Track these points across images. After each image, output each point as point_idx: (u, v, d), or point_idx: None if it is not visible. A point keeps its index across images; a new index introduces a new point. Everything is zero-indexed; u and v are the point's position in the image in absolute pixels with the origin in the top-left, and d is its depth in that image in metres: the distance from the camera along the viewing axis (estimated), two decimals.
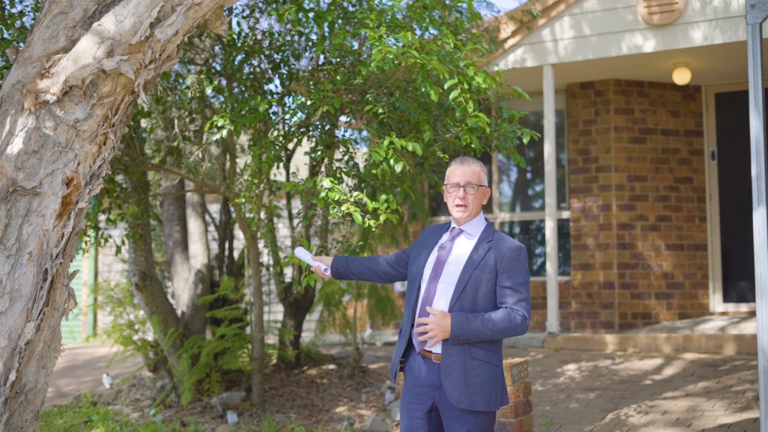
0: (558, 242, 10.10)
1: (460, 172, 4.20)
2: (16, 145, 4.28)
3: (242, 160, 9.81)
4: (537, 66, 9.59)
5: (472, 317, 3.97)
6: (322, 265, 4.55)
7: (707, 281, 10.16)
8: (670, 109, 10.24)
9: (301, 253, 4.63)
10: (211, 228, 10.45)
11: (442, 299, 4.07)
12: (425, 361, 4.10)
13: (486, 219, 4.29)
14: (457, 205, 4.18)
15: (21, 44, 6.35)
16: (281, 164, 7.40)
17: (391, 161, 5.65)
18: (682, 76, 9.63)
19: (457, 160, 4.27)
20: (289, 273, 11.36)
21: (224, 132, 6.44)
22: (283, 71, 7.57)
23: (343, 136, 7.85)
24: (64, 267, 4.47)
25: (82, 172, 4.42)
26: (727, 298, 10.10)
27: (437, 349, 4.06)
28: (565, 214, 10.30)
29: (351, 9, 7.23)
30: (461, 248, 4.15)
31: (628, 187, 10.03)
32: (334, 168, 6.54)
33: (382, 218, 5.69)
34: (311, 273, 6.01)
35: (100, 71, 4.31)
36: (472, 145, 6.08)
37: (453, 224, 4.26)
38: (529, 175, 10.99)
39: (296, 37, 7.68)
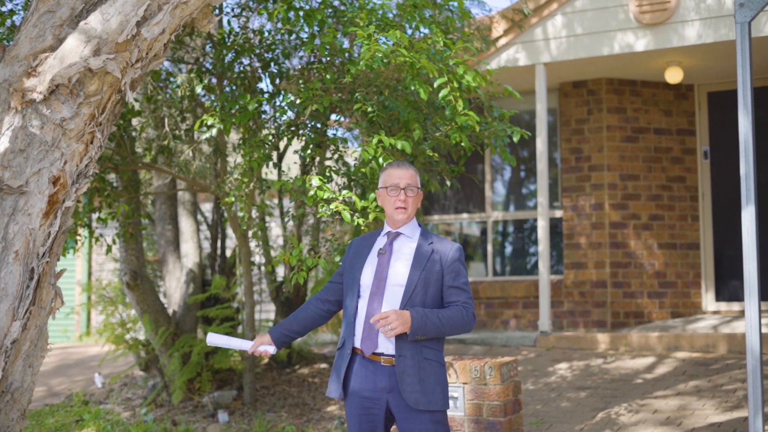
0: (551, 241, 10.11)
1: (399, 175, 4.16)
2: (2, 144, 4.28)
3: (233, 159, 9.81)
4: (529, 65, 9.59)
5: (429, 312, 3.96)
6: (261, 346, 4.28)
7: (700, 280, 10.17)
8: (663, 108, 10.25)
9: (214, 339, 4.27)
10: (203, 227, 10.45)
11: (391, 301, 4.02)
12: (373, 366, 4.02)
13: (419, 223, 4.27)
14: (397, 207, 4.13)
15: (10, 43, 6.33)
16: (272, 163, 7.39)
17: (380, 159, 5.65)
18: (674, 75, 9.64)
19: (392, 164, 4.24)
20: (280, 272, 11.35)
21: (214, 131, 6.44)
22: (273, 70, 7.57)
23: (334, 134, 7.84)
24: (51, 266, 4.46)
25: (68, 171, 4.41)
26: (719, 297, 10.11)
27: (389, 350, 4.00)
28: (558, 213, 10.30)
29: (341, 8, 7.23)
30: (403, 250, 4.12)
31: (620, 186, 10.03)
32: (324, 167, 6.54)
33: (371, 216, 5.69)
34: (300, 271, 6.02)
35: (87, 70, 4.30)
36: (462, 144, 6.08)
37: (388, 229, 4.19)
38: (522, 174, 10.99)
39: (286, 36, 7.68)
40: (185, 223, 9.51)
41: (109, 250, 8.15)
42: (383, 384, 4.01)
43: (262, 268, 9.56)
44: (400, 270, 4.07)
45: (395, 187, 4.14)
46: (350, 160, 7.68)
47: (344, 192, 5.81)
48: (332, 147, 6.99)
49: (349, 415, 4.11)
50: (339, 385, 4.10)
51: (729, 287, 10.09)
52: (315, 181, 5.78)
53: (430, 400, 3.99)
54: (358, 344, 4.06)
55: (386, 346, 4.01)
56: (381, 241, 4.18)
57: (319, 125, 6.94)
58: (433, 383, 4.00)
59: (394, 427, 4.20)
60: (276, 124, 7.17)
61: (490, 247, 10.80)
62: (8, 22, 6.99)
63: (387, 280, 4.05)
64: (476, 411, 5.69)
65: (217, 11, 7.12)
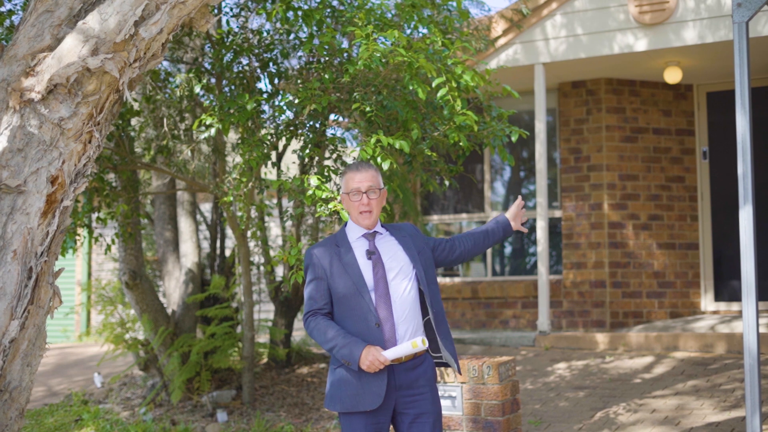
0: (550, 241, 10.11)
1: (360, 178, 4.12)
2: (0, 144, 4.28)
3: (232, 159, 9.81)
4: (528, 65, 9.59)
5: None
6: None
7: (699, 280, 10.17)
8: (662, 108, 10.25)
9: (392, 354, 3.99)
10: (203, 227, 10.45)
11: (398, 300, 4.04)
12: (388, 367, 4.01)
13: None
14: (362, 212, 4.11)
15: (9, 42, 6.34)
16: (271, 163, 7.40)
17: (378, 159, 5.66)
18: (673, 75, 9.64)
19: (352, 167, 4.19)
20: (279, 272, 11.36)
21: (213, 130, 6.45)
22: (272, 69, 7.58)
23: (333, 134, 7.85)
24: (49, 265, 4.47)
25: (67, 170, 4.41)
26: (718, 297, 10.11)
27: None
28: (558, 213, 10.31)
29: (340, 8, 7.24)
30: (386, 246, 4.14)
31: (619, 186, 10.04)
32: (322, 166, 6.55)
33: None
34: (299, 271, 6.02)
35: (85, 69, 4.30)
36: (460, 143, 6.09)
37: (362, 230, 4.14)
38: (521, 174, 11.00)
39: (285, 36, 7.69)
40: (184, 223, 9.52)
41: (108, 249, 8.15)
42: (395, 382, 4.02)
43: (261, 267, 9.56)
44: (402, 263, 4.10)
45: (357, 192, 4.11)
46: (349, 160, 7.69)
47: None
48: (331, 147, 7.00)
49: (352, 424, 4.02)
50: (381, 396, 3.96)
51: (728, 287, 10.10)
52: (313, 180, 5.79)
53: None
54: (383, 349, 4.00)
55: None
56: (361, 243, 4.13)
57: (317, 125, 6.95)
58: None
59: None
60: (275, 124, 7.18)
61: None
62: (7, 22, 7.00)
63: (387, 279, 4.05)
64: (474, 410, 5.69)
65: (215, 11, 7.13)
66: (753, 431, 5.19)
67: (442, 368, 5.77)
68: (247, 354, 8.17)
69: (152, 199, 9.84)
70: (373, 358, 3.88)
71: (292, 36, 7.63)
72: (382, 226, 4.23)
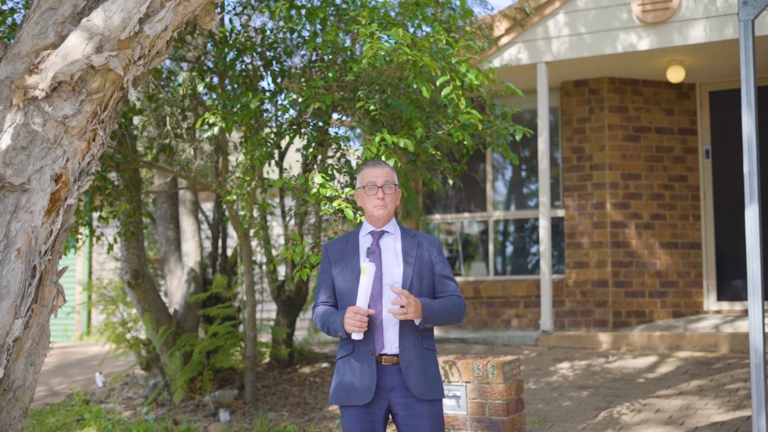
0: (552, 240, 10.09)
1: (375, 173, 4.17)
2: (4, 141, 4.26)
3: (235, 158, 9.79)
4: (531, 64, 9.58)
5: (432, 302, 4.04)
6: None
7: (701, 279, 10.15)
8: (665, 107, 10.23)
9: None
10: (205, 226, 10.44)
11: (390, 300, 4.00)
12: (377, 367, 4.02)
13: (398, 221, 4.29)
14: (376, 205, 4.13)
15: (11, 41, 6.32)
16: (274, 161, 7.39)
17: (383, 158, 5.64)
18: (676, 74, 9.62)
19: (368, 164, 4.26)
20: (282, 271, 11.34)
21: (215, 129, 6.43)
22: (275, 68, 7.56)
23: (336, 133, 7.83)
24: (53, 264, 4.44)
25: (70, 168, 4.39)
26: (721, 297, 10.09)
27: (392, 350, 4.01)
28: (560, 213, 10.29)
29: (343, 6, 7.22)
30: (390, 247, 4.13)
31: (622, 185, 10.02)
32: (326, 165, 6.53)
33: None
34: (303, 267, 6.01)
35: (89, 67, 4.28)
36: (465, 142, 6.07)
37: (371, 228, 4.18)
38: (524, 173, 10.98)
39: (288, 34, 7.67)
40: (186, 222, 9.50)
41: (110, 248, 8.13)
42: (385, 383, 4.02)
43: (264, 267, 9.54)
44: (393, 267, 4.08)
45: (372, 186, 4.14)
46: (352, 159, 7.67)
47: (347, 190, 5.79)
48: (334, 145, 6.98)
49: (348, 417, 4.08)
50: (372, 391, 4.00)
51: (731, 287, 10.08)
52: (317, 178, 5.77)
53: (434, 389, 4.06)
54: (371, 345, 4.03)
55: (390, 346, 4.02)
56: (366, 241, 4.16)
57: (321, 123, 6.93)
58: (434, 372, 4.09)
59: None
60: (278, 123, 7.16)
61: (491, 247, 10.79)
62: (9, 21, 6.99)
63: (383, 279, 4.06)
64: (479, 410, 5.68)
65: (218, 9, 7.11)
66: (759, 430, 5.17)
67: (446, 367, 5.76)
68: (249, 353, 8.15)
69: (154, 198, 9.83)
70: (349, 318, 3.92)
71: (295, 34, 7.61)
72: (398, 227, 4.22)
